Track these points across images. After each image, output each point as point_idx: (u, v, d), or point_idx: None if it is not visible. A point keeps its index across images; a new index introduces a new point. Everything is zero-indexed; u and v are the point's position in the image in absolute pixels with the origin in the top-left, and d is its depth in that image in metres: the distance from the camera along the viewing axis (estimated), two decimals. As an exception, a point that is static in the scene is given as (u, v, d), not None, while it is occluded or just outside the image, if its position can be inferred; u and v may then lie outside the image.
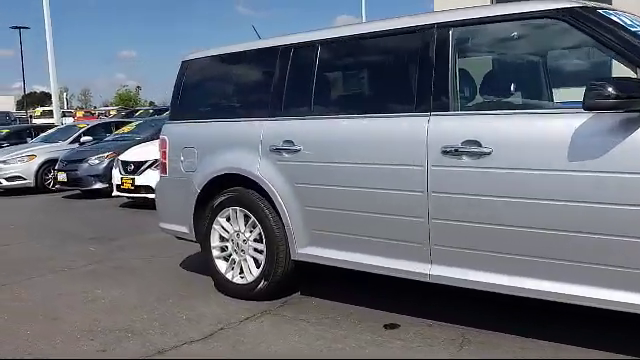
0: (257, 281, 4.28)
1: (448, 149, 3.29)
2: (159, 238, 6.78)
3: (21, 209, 10.81)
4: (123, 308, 4.41)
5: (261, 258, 4.29)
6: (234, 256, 4.47)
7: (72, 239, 7.28)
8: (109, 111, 42.58)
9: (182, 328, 3.92)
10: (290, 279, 4.31)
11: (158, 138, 10.67)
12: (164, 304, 4.44)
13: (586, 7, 3.09)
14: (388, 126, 3.59)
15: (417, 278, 3.52)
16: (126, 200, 10.18)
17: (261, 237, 4.27)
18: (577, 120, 2.92)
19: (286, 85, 4.15)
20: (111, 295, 4.75)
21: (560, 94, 4.25)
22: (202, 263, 5.43)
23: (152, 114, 24.90)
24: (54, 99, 23.07)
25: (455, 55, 3.41)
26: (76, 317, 4.25)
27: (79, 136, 13.48)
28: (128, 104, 67.02)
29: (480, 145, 3.20)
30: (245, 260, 4.40)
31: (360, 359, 3.41)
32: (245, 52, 4.52)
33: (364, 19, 28.41)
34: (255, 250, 4.34)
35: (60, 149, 12.83)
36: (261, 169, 4.18)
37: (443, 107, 3.39)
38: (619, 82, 2.73)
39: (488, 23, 3.36)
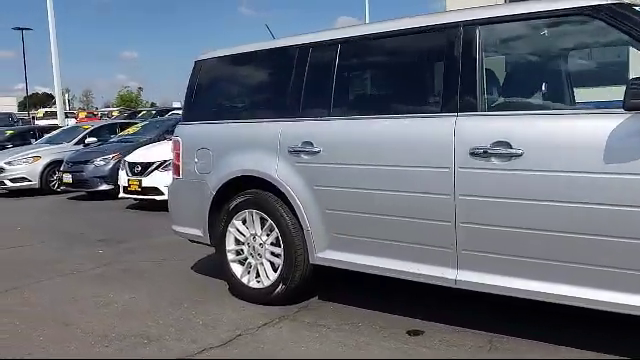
0: (274, 285, 4.18)
1: (477, 150, 3.19)
2: (168, 241, 6.70)
3: (27, 211, 10.72)
4: (136, 313, 4.30)
5: (278, 262, 4.19)
6: (250, 260, 4.37)
7: (79, 241, 7.18)
8: (111, 112, 42.50)
9: (199, 334, 3.82)
10: (308, 283, 4.21)
11: (164, 139, 10.92)
12: (178, 309, 4.34)
13: (621, 4, 2.99)
14: (413, 127, 3.48)
15: (443, 283, 3.42)
16: (132, 202, 10.09)
17: (278, 240, 4.17)
18: (614, 121, 2.82)
19: (304, 85, 4.05)
20: (123, 299, 4.65)
21: (580, 94, 4.16)
22: (214, 266, 5.35)
23: (154, 115, 24.85)
24: (58, 100, 22.99)
25: (482, 54, 3.31)
26: (89, 322, 4.15)
27: (84, 137, 13.39)
28: (129, 105, 66.95)
29: (511, 146, 3.09)
30: (261, 264, 4.30)
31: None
32: (261, 51, 4.42)
33: (367, 20, 28.32)
34: (272, 254, 4.24)
35: (65, 150, 12.74)
36: (279, 171, 4.07)
37: (470, 107, 3.29)
38: None
39: (517, 21, 3.26)
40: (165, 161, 9.22)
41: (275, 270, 4.22)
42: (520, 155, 3.06)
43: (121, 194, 9.76)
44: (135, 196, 9.57)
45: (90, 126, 14.62)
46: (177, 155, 4.80)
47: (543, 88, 3.50)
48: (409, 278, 3.56)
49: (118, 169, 10.26)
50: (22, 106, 63.92)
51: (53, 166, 12.53)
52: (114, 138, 12.84)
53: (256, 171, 4.21)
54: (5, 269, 5.89)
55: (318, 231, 3.93)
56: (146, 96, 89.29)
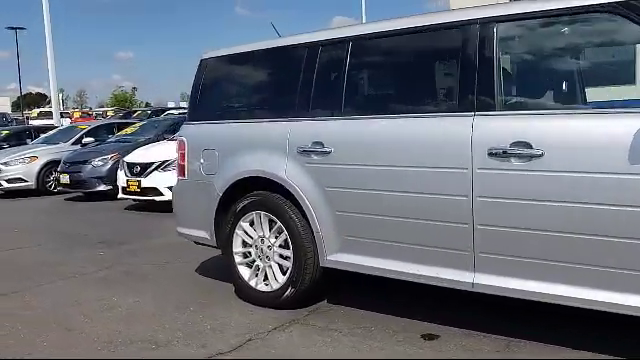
0: (283, 288, 4.09)
1: (495, 151, 3.11)
2: (169, 242, 6.62)
3: (23, 212, 10.59)
4: (142, 317, 4.21)
5: (287, 265, 4.10)
6: (258, 262, 4.28)
7: (79, 243, 7.07)
8: (106, 112, 42.33)
9: (208, 339, 3.72)
10: (318, 287, 4.12)
11: (163, 139, 10.81)
12: (184, 313, 4.24)
13: (644, 0, 2.91)
14: (428, 127, 3.40)
15: (460, 287, 3.34)
16: (131, 203, 9.97)
17: (287, 243, 4.08)
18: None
19: (314, 84, 3.96)
20: (127, 303, 4.55)
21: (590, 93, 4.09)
22: (218, 269, 5.27)
23: (150, 115, 24.76)
24: (53, 100, 22.78)
25: (500, 52, 3.23)
26: (93, 327, 4.05)
27: (81, 137, 13.24)
28: (124, 105, 66.76)
29: (530, 146, 3.02)
30: (270, 267, 4.21)
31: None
32: (269, 50, 4.33)
33: (364, 20, 28.24)
34: (281, 256, 4.15)
35: (62, 150, 12.60)
36: (288, 172, 3.99)
37: (488, 106, 3.21)
38: None
39: (536, 18, 3.18)
40: (165, 161, 9.12)
41: (284, 273, 4.14)
42: (540, 155, 2.99)
43: (120, 195, 9.64)
44: (134, 197, 9.46)
45: (87, 126, 14.48)
46: (182, 155, 4.71)
47: (563, 87, 3.42)
48: (425, 282, 3.47)
49: (116, 169, 10.14)
50: (15, 106, 63.53)
51: (50, 166, 12.39)
52: (112, 138, 12.71)
53: (264, 172, 4.12)
54: (4, 272, 5.78)
55: (329, 233, 3.84)
56: (140, 96, 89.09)
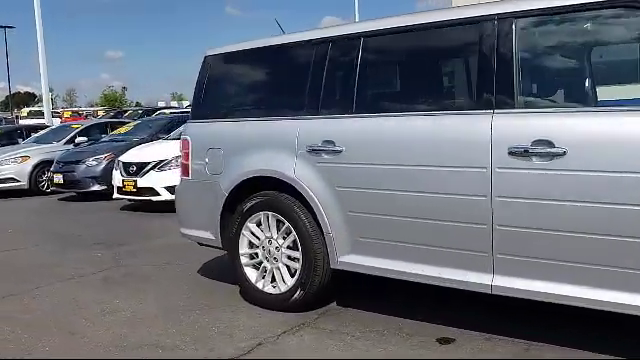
0: (292, 291, 3.99)
1: (516, 150, 3.02)
2: (168, 243, 6.52)
3: (17, 212, 10.41)
4: (145, 320, 4.09)
5: (295, 266, 4.00)
6: (265, 264, 4.17)
7: (75, 244, 6.93)
8: (96, 112, 41.99)
9: (216, 343, 3.62)
10: (327, 289, 4.02)
11: (157, 139, 10.67)
12: (189, 316, 4.13)
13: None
14: (445, 125, 3.31)
15: (478, 290, 3.25)
16: (126, 203, 9.82)
17: (296, 244, 3.98)
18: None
19: (325, 81, 3.86)
20: (129, 306, 4.43)
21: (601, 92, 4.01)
22: (221, 270, 5.17)
23: (141, 114, 24.55)
24: (45, 99, 22.50)
25: (519, 48, 3.15)
26: (96, 331, 3.93)
27: (74, 137, 13.05)
28: (113, 104, 66.32)
29: (553, 145, 2.94)
30: (278, 268, 4.11)
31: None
32: (277, 46, 4.22)
33: (357, 19, 28.15)
34: (289, 258, 4.05)
35: (54, 150, 12.41)
36: (297, 171, 3.89)
37: (507, 104, 3.13)
38: None
39: (557, 14, 3.10)
40: (161, 161, 8.99)
41: (292, 275, 4.04)
42: (563, 154, 2.91)
43: (115, 195, 9.49)
44: (130, 197, 9.31)
45: (80, 125, 14.29)
46: (186, 155, 4.59)
47: (586, 84, 3.34)
48: (440, 284, 3.39)
49: (111, 169, 10.00)
50: (4, 105, 63.00)
51: (42, 166, 12.19)
52: (105, 137, 12.53)
53: (272, 171, 4.02)
54: (1, 274, 5.64)
55: (340, 234, 3.75)
56: (130, 96, 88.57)
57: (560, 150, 2.92)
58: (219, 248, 4.50)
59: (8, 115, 39.49)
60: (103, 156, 10.82)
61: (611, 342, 3.27)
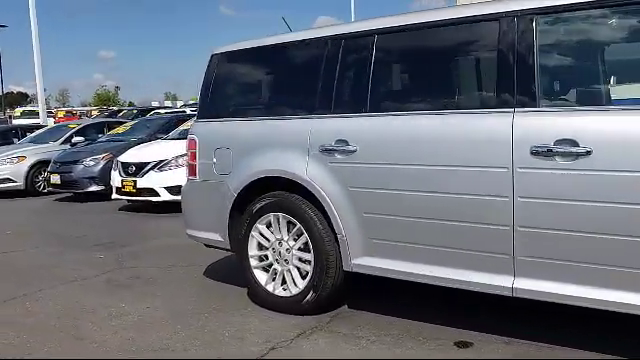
0: (304, 293, 3.91)
1: (539, 149, 2.95)
2: (170, 244, 6.44)
3: (14, 213, 10.27)
4: (154, 324, 4.00)
5: (307, 268, 3.92)
6: (276, 266, 4.09)
7: (75, 246, 6.82)
8: (90, 111, 41.71)
9: (228, 348, 3.54)
10: (339, 291, 3.94)
11: (156, 139, 10.55)
12: (199, 319, 4.04)
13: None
14: (464, 124, 3.24)
15: (499, 292, 3.18)
16: (124, 203, 9.71)
17: (307, 246, 3.90)
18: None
19: (337, 79, 3.78)
20: (136, 309, 4.33)
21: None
22: (227, 272, 5.09)
23: (136, 114, 24.37)
24: (40, 99, 22.28)
25: (540, 45, 3.08)
26: (103, 335, 3.84)
27: (70, 137, 12.90)
28: (107, 104, 66.03)
29: (577, 144, 2.87)
30: (288, 271, 4.02)
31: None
32: (287, 44, 4.13)
33: (353, 19, 28.09)
34: (300, 260, 3.97)
35: (51, 150, 12.27)
36: (309, 172, 3.80)
37: (528, 102, 3.06)
38: None
39: (579, 10, 3.03)
40: (161, 161, 8.88)
41: (303, 277, 3.95)
42: (588, 154, 2.84)
43: (114, 195, 9.37)
44: (129, 197, 9.20)
45: (76, 125, 14.14)
46: (193, 154, 4.50)
47: (611, 82, 3.27)
48: (459, 287, 3.31)
49: (109, 169, 9.89)
50: (-3, 105, 62.41)
51: (39, 166, 12.04)
52: (103, 137, 12.40)
53: (283, 171, 3.94)
54: (1, 277, 5.53)
55: (354, 236, 3.67)
56: (123, 95, 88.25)
57: (585, 149, 2.85)
58: (227, 250, 4.41)
59: (0, 115, 39.19)
60: (101, 156, 10.70)
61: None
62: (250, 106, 4.40)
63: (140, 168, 8.98)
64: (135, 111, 27.56)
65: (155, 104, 47.73)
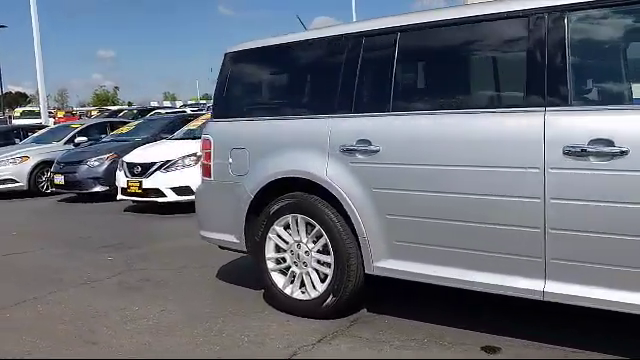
0: (323, 297, 3.82)
1: (572, 149, 2.87)
2: (179, 246, 6.36)
3: (18, 214, 10.18)
4: (170, 329, 3.91)
5: (326, 271, 3.83)
6: (294, 269, 4.00)
7: (83, 247, 6.73)
8: (90, 112, 41.62)
9: (249, 352, 3.45)
10: (360, 295, 3.86)
11: (161, 139, 10.45)
12: (216, 323, 3.95)
13: None
14: (493, 123, 3.15)
15: (529, 296, 3.09)
16: (130, 204, 9.61)
17: (326, 248, 3.81)
18: None
19: (358, 78, 3.69)
20: (151, 313, 4.25)
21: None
22: (241, 274, 5.02)
23: (136, 114, 24.29)
24: (41, 99, 22.16)
25: (572, 42, 2.99)
26: (119, 340, 3.76)
27: (73, 137, 12.81)
28: (105, 104, 65.91)
29: (612, 144, 2.79)
30: (307, 273, 3.94)
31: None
32: (305, 42, 4.05)
33: (354, 19, 28.00)
34: (319, 262, 3.88)
35: (54, 150, 12.17)
36: (329, 172, 3.72)
37: (560, 101, 2.97)
38: None
39: (612, 6, 2.95)
40: (168, 161, 8.79)
41: (323, 280, 3.87)
42: (624, 154, 2.76)
43: (119, 196, 9.26)
44: (135, 198, 9.10)
45: (79, 125, 14.04)
46: (207, 155, 4.41)
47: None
48: (487, 290, 3.23)
49: (113, 170, 9.79)
50: (-4, 105, 62.22)
51: (42, 167, 11.95)
52: (106, 137, 12.31)
53: (302, 172, 3.85)
54: (9, 279, 5.46)
55: (376, 238, 3.58)
56: (122, 96, 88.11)
57: (621, 149, 2.77)
58: (243, 252, 4.33)
59: (0, 115, 39.06)
60: (105, 156, 10.60)
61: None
62: (266, 105, 4.31)
63: (146, 168, 8.88)
64: (135, 111, 27.51)
65: (154, 104, 47.63)
